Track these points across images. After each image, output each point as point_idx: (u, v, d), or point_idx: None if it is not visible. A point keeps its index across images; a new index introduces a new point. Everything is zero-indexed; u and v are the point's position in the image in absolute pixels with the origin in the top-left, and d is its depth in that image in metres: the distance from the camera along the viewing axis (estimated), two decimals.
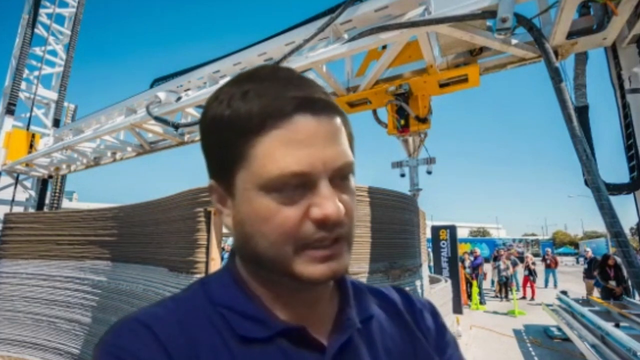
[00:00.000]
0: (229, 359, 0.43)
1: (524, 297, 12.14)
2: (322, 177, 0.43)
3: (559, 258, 18.45)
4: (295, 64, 3.27)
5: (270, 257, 0.44)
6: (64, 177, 8.02)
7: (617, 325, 4.86)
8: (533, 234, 67.84)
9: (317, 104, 0.44)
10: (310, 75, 3.92)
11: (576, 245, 49.85)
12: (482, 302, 10.59)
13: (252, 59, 3.88)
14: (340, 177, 0.45)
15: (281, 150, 0.42)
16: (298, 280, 0.43)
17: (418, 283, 3.66)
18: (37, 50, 8.03)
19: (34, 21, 7.73)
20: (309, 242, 0.42)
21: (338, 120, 0.47)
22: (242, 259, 0.51)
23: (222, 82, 4.18)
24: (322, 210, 0.42)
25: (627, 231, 2.49)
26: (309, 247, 0.43)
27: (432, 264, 10.08)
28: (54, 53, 8.41)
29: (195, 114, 4.71)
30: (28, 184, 7.92)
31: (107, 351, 0.41)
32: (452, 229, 9.85)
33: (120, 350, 0.41)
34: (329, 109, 0.46)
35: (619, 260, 7.83)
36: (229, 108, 0.44)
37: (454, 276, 8.93)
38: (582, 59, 2.97)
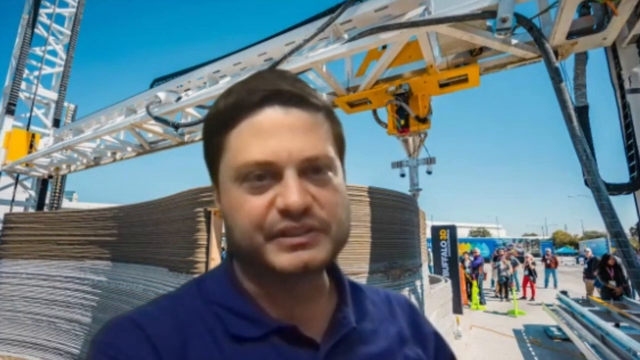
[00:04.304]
0: (219, 358, 0.43)
1: (524, 297, 12.14)
2: (287, 167, 0.43)
3: (559, 258, 18.44)
4: (295, 64, 3.27)
5: (244, 246, 0.45)
6: (64, 177, 8.01)
7: (617, 325, 4.86)
8: (533, 234, 67.79)
9: (284, 96, 0.45)
10: (310, 75, 3.92)
11: (576, 245, 49.86)
12: (482, 302, 10.59)
13: (252, 59, 3.88)
14: (312, 169, 0.44)
15: (249, 140, 0.44)
16: (270, 270, 0.43)
17: (418, 283, 3.66)
18: (37, 50, 8.02)
19: (34, 21, 7.72)
20: (276, 231, 0.42)
21: (316, 114, 0.47)
22: (232, 255, 0.52)
23: (222, 82, 4.19)
24: (284, 199, 0.42)
25: (627, 231, 2.49)
26: (279, 236, 0.42)
27: (432, 264, 10.08)
28: (54, 53, 8.41)
29: (195, 114, 4.71)
30: (28, 184, 7.92)
31: (99, 349, 0.42)
32: (452, 229, 9.85)
33: (111, 348, 0.42)
34: (301, 102, 0.46)
35: (619, 260, 7.83)
36: (215, 107, 0.48)
37: (454, 276, 8.93)
38: (582, 59, 2.97)
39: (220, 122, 0.47)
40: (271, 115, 0.44)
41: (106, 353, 0.41)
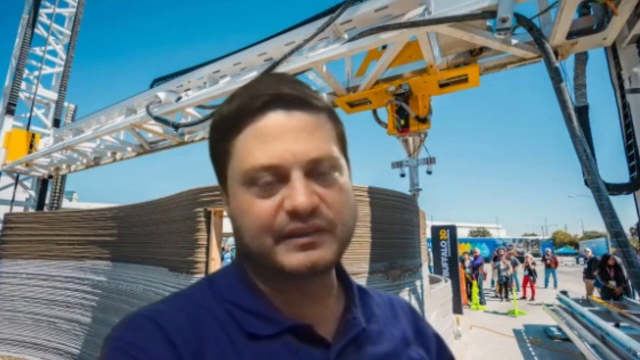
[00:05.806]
0: (234, 355, 0.43)
1: (524, 297, 12.14)
2: (293, 169, 0.43)
3: (559, 258, 18.43)
4: (295, 64, 3.27)
5: (254, 249, 0.45)
6: (64, 177, 8.01)
7: (617, 325, 4.86)
8: (533, 234, 67.76)
9: (286, 99, 0.45)
10: (310, 76, 3.92)
11: (576, 245, 49.84)
12: (482, 302, 10.59)
13: (252, 59, 3.88)
14: (318, 170, 0.45)
15: (254, 145, 0.44)
16: (280, 271, 0.44)
17: (418, 283, 3.66)
18: (37, 50, 8.02)
19: (34, 21, 7.72)
20: (285, 233, 0.43)
21: (318, 115, 0.48)
22: (242, 257, 0.53)
23: (222, 82, 4.19)
24: (291, 201, 0.42)
25: (627, 231, 2.49)
26: (287, 237, 0.43)
27: (432, 264, 10.08)
28: (54, 53, 8.40)
29: (195, 114, 4.71)
30: (28, 184, 7.92)
31: (115, 346, 0.42)
32: (452, 229, 9.84)
33: (127, 345, 0.41)
34: (303, 105, 0.46)
35: (619, 260, 7.83)
36: (219, 113, 0.48)
37: (454, 276, 8.93)
38: (582, 59, 2.97)
39: (224, 128, 0.47)
40: (274, 119, 0.45)
41: (126, 351, 0.41)
